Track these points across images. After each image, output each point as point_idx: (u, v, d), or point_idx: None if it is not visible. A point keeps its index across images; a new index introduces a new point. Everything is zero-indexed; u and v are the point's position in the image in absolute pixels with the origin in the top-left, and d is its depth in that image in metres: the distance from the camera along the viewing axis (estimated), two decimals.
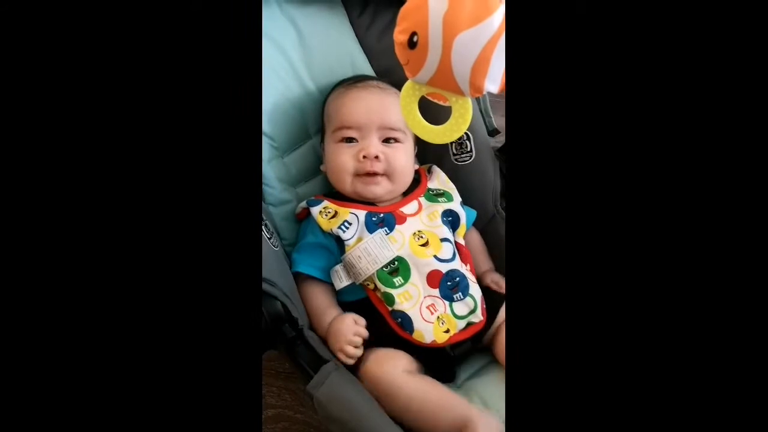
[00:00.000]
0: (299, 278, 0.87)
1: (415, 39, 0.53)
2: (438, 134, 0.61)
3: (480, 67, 0.52)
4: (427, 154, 0.99)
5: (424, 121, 0.62)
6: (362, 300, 0.86)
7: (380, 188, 0.89)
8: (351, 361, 0.78)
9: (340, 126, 0.89)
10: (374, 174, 0.88)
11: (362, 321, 0.81)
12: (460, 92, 0.56)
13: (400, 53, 0.56)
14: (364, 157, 0.87)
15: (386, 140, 0.89)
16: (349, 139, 0.88)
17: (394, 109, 0.88)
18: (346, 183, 0.89)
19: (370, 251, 0.83)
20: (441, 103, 0.60)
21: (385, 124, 0.88)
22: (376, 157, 0.87)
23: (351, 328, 0.80)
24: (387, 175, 0.89)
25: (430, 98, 0.60)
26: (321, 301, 0.86)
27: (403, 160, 0.90)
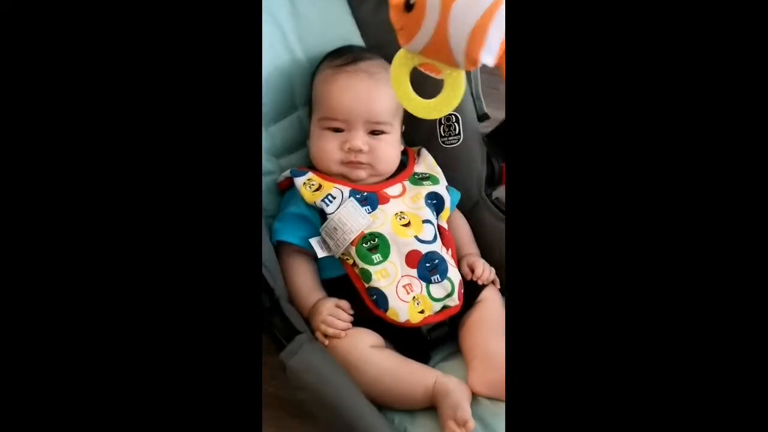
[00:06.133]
0: (281, 248, 0.87)
1: (411, 1, 0.52)
2: (428, 108, 0.60)
3: (477, 36, 0.51)
4: (414, 135, 0.98)
5: (415, 94, 0.61)
6: (341, 277, 0.85)
7: (365, 173, 0.89)
8: (325, 341, 0.79)
9: (326, 116, 0.88)
10: (358, 162, 0.88)
11: (345, 304, 0.82)
12: (453, 63, 0.55)
13: (395, 17, 0.55)
14: (349, 149, 0.87)
15: (372, 132, 0.88)
16: (335, 129, 0.88)
17: (382, 100, 0.87)
18: (331, 168, 0.88)
19: (344, 221, 0.83)
20: (433, 75, 0.59)
21: (372, 118, 0.87)
22: (361, 150, 0.87)
23: (330, 309, 0.81)
24: (371, 164, 0.88)
25: (422, 70, 0.59)
26: (304, 279, 0.86)
27: (389, 151, 0.90)
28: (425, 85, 0.60)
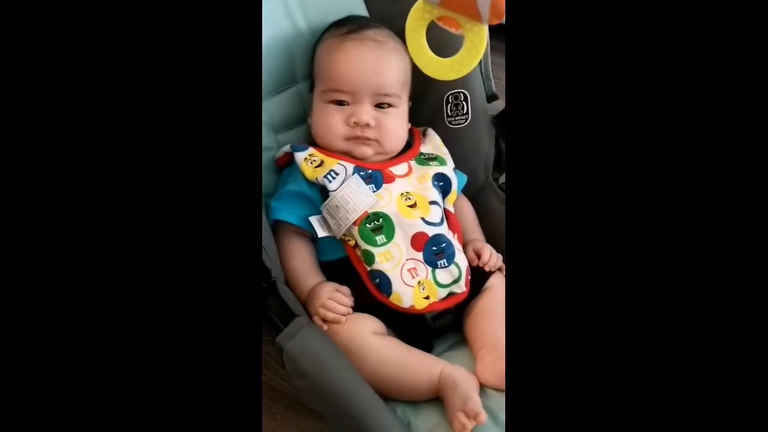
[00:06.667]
0: (278, 228, 0.82)
1: None
2: (445, 67, 0.55)
3: None
4: (419, 113, 0.93)
5: (431, 52, 0.56)
6: (341, 260, 0.80)
7: (370, 150, 0.84)
8: (324, 327, 0.74)
9: (331, 88, 0.82)
10: (365, 138, 0.82)
11: (345, 289, 0.77)
12: (476, 16, 0.50)
13: None
14: (355, 123, 0.81)
15: (379, 105, 0.83)
16: (340, 102, 0.83)
17: (391, 71, 0.83)
18: (335, 144, 0.83)
19: (347, 199, 0.78)
20: (453, 30, 0.54)
21: (380, 89, 0.82)
22: (367, 124, 0.81)
23: (330, 293, 0.76)
24: (378, 141, 0.83)
25: (440, 24, 0.54)
26: (302, 261, 0.81)
27: (396, 126, 0.84)
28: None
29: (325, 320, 0.74)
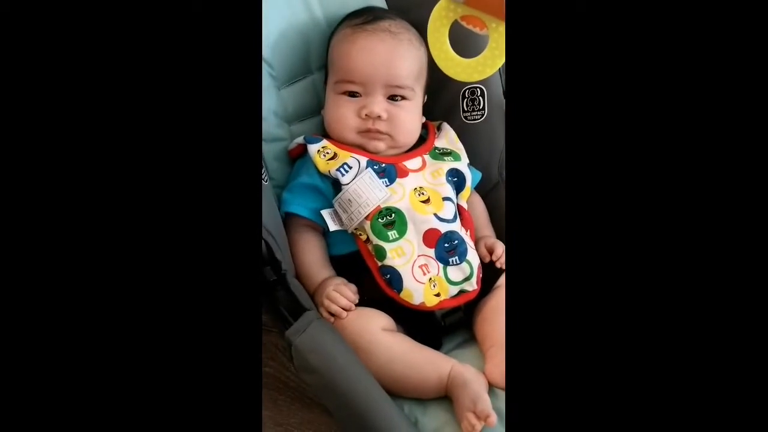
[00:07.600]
0: (289, 220, 0.81)
1: None
2: (468, 69, 0.54)
3: None
4: (433, 108, 0.92)
5: (453, 52, 0.55)
6: (352, 254, 0.80)
7: (383, 144, 0.83)
8: (330, 319, 0.74)
9: (343, 79, 0.81)
10: (377, 131, 0.81)
11: (352, 286, 0.77)
12: (502, 15, 0.49)
13: None
14: (367, 115, 0.80)
15: (392, 97, 0.82)
16: (352, 93, 0.82)
17: (404, 63, 0.81)
18: (347, 137, 0.82)
19: (360, 193, 0.77)
20: (477, 30, 0.53)
21: (393, 81, 0.81)
22: (379, 116, 0.80)
23: (336, 285, 0.76)
24: (390, 134, 0.82)
25: (464, 24, 0.53)
26: (313, 256, 0.80)
27: (409, 119, 0.83)
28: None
29: (330, 312, 0.74)
